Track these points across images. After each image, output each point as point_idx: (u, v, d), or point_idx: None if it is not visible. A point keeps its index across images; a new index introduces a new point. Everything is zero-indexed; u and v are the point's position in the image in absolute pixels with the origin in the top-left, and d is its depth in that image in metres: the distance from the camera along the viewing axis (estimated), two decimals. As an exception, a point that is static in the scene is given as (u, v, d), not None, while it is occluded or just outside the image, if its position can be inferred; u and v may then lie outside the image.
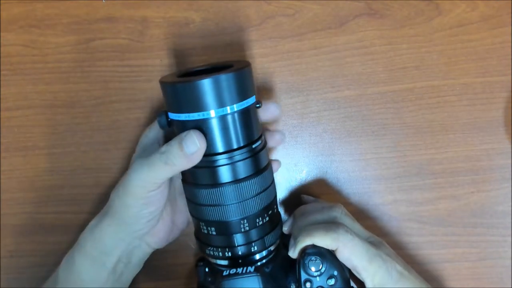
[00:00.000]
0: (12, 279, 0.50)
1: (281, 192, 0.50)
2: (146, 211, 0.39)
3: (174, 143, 0.35)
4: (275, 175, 0.41)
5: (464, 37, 0.47)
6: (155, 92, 0.48)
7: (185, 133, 0.35)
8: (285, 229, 0.43)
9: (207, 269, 0.40)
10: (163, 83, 0.36)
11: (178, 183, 0.43)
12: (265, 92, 0.48)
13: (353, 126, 0.49)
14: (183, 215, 0.44)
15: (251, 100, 0.37)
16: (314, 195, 0.49)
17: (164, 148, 0.36)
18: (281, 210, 0.50)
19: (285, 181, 0.50)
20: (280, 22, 0.47)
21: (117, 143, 0.49)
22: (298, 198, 0.50)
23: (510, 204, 0.49)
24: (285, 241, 0.42)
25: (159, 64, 0.48)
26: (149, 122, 0.48)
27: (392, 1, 0.47)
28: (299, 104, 0.48)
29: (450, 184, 0.49)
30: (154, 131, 0.42)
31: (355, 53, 0.48)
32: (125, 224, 0.39)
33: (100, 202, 0.49)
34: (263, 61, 0.48)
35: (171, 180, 0.41)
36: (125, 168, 0.48)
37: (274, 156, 0.49)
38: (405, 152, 0.49)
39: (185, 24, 0.47)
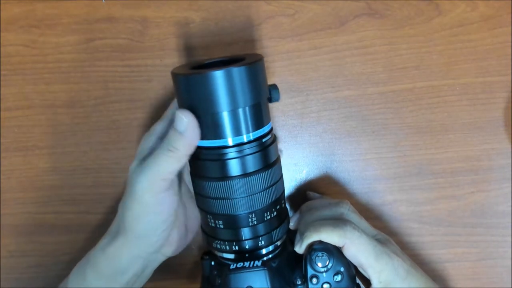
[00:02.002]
0: (12, 279, 0.50)
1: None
2: (158, 220, 0.37)
3: (170, 129, 0.36)
4: None
5: (464, 37, 0.47)
6: (155, 92, 0.48)
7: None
8: (291, 224, 0.43)
9: (213, 263, 0.40)
10: (175, 75, 0.36)
11: (186, 188, 0.42)
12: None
13: (353, 126, 0.49)
14: (195, 219, 0.43)
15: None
16: (314, 195, 0.49)
17: (164, 139, 0.36)
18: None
19: (284, 181, 0.50)
20: (280, 22, 0.47)
21: (117, 143, 0.49)
22: (300, 197, 0.50)
23: (510, 204, 0.49)
24: (291, 237, 0.42)
25: (159, 64, 0.48)
26: (149, 122, 0.48)
27: (392, 1, 0.47)
28: (299, 104, 0.48)
29: (450, 184, 0.49)
30: (153, 140, 0.39)
31: (355, 53, 0.48)
32: (140, 239, 0.38)
33: (100, 202, 0.49)
34: (263, 61, 0.48)
35: (179, 185, 0.40)
36: (125, 168, 0.48)
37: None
38: (405, 152, 0.49)
39: (185, 24, 0.47)
